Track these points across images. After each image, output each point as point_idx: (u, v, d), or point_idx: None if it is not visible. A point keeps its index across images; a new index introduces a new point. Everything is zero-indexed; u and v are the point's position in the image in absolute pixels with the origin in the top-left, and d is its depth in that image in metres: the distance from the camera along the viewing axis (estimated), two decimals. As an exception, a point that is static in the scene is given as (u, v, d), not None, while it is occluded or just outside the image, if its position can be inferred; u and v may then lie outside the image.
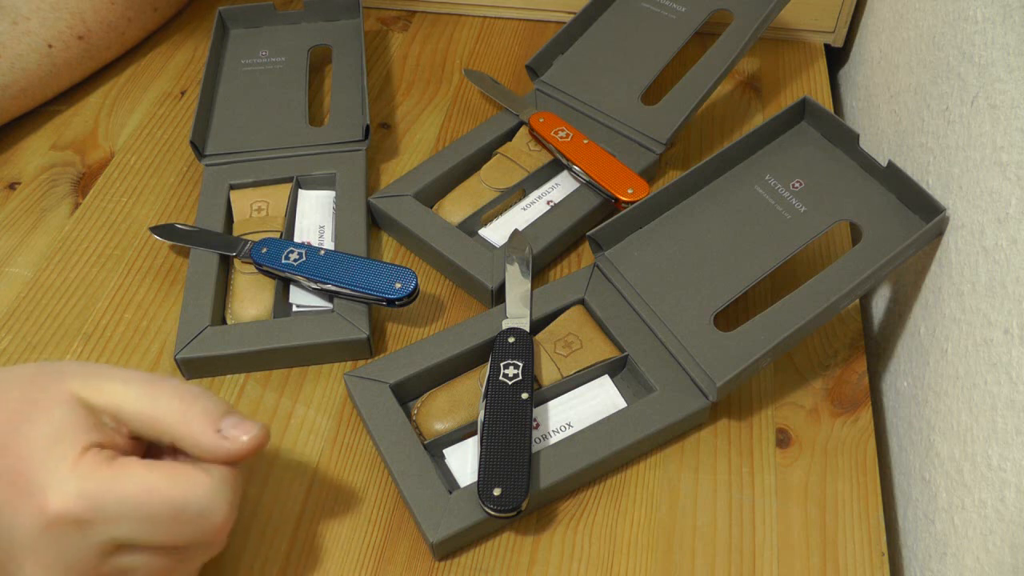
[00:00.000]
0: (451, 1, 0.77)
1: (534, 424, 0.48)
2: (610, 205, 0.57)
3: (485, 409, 0.46)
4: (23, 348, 0.53)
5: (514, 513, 0.43)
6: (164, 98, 0.70)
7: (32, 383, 0.37)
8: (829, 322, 0.54)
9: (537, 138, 0.61)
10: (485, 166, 0.61)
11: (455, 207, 0.58)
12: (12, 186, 0.63)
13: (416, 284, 0.51)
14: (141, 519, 0.35)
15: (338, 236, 0.56)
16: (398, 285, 0.50)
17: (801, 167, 0.52)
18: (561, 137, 0.60)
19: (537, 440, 0.48)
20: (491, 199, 0.59)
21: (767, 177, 0.53)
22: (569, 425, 0.48)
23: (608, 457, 0.46)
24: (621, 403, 0.49)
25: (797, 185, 0.52)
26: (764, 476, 0.47)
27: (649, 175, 0.61)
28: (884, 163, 0.49)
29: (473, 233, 0.58)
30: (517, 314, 0.51)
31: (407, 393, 0.50)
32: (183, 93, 0.70)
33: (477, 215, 0.58)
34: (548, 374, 0.49)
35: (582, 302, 0.53)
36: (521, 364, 0.48)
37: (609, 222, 0.52)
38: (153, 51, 0.74)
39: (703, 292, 0.50)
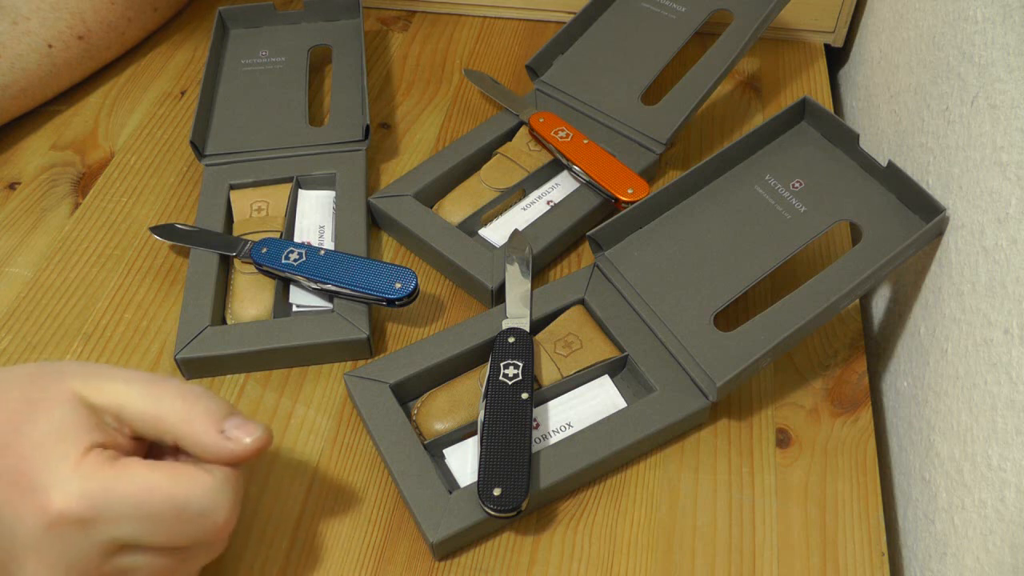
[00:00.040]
0: (451, 1, 0.77)
1: (534, 424, 0.48)
2: (610, 205, 0.57)
3: (485, 409, 0.46)
4: (23, 348, 0.53)
5: (514, 513, 0.43)
6: (164, 98, 0.70)
7: (33, 383, 0.37)
8: (829, 322, 0.54)
9: (537, 138, 0.61)
10: (485, 166, 0.61)
11: (455, 207, 0.58)
12: (12, 186, 0.63)
13: (416, 284, 0.51)
14: (143, 519, 0.35)
15: (338, 236, 0.56)
16: (398, 285, 0.50)
17: (801, 167, 0.52)
18: (561, 137, 0.60)
19: (537, 440, 0.48)
20: (491, 199, 0.59)
21: (767, 177, 0.53)
22: (569, 425, 0.48)
23: (608, 457, 0.46)
24: (621, 403, 0.49)
25: (797, 185, 0.52)
26: (764, 476, 0.47)
27: (649, 175, 0.61)
28: (884, 163, 0.49)
29: (473, 233, 0.58)
30: (517, 314, 0.51)
31: (407, 393, 0.50)
32: (183, 93, 0.70)
33: (477, 215, 0.58)
34: (548, 374, 0.49)
35: (582, 302, 0.53)
36: (521, 364, 0.48)
37: (609, 222, 0.52)
38: (153, 51, 0.74)
39: (703, 292, 0.50)
